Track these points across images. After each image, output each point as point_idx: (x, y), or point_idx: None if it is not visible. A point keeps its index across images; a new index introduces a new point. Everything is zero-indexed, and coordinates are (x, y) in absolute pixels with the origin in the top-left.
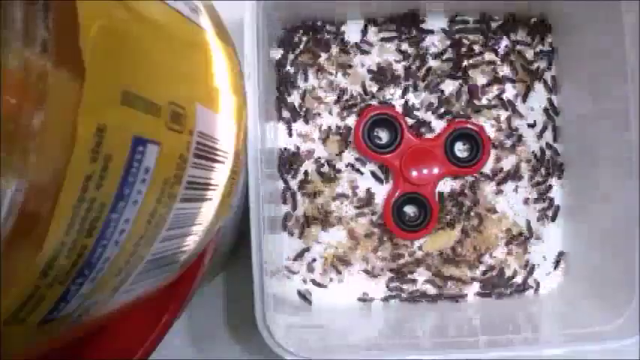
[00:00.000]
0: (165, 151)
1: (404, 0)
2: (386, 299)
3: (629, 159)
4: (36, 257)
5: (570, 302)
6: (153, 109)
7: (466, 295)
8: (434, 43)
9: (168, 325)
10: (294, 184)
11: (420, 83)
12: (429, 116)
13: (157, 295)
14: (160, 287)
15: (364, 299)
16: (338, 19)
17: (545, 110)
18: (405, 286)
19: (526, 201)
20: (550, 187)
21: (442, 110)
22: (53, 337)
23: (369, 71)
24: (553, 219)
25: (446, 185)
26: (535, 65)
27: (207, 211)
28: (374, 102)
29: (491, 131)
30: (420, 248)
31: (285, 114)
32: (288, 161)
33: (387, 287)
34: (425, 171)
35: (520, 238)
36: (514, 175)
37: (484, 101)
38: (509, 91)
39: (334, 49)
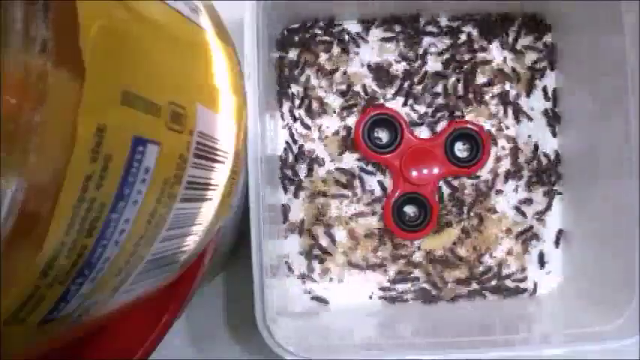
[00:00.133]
0: (166, 151)
1: (404, 0)
2: (386, 299)
3: (629, 159)
4: (36, 257)
5: (570, 302)
6: (153, 109)
7: (466, 295)
8: (434, 43)
9: (168, 325)
10: (294, 184)
11: (420, 83)
12: (429, 116)
13: (157, 295)
14: (159, 287)
15: (364, 299)
16: (338, 19)
17: (545, 110)
18: (405, 286)
19: (526, 201)
20: (550, 186)
21: (442, 110)
22: (53, 337)
23: (369, 71)
24: (553, 219)
25: (446, 185)
26: (535, 65)
27: (207, 211)
28: (374, 102)
29: (491, 131)
30: (420, 248)
31: (286, 114)
32: (289, 161)
33: (387, 287)
34: (425, 171)
35: (520, 238)
36: (514, 174)
37: (484, 101)
38: (509, 91)
39: (334, 49)
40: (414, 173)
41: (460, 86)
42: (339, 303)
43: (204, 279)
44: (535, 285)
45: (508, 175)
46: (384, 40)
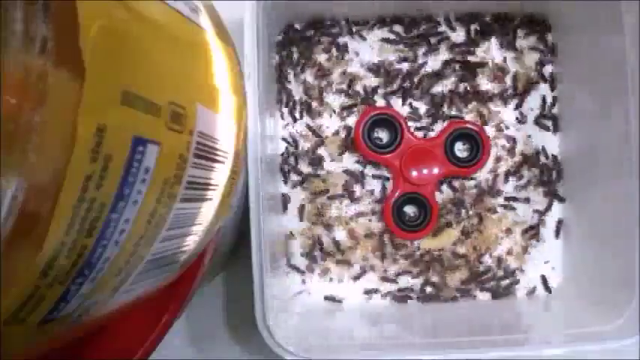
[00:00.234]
0: (165, 151)
1: (405, 0)
2: (386, 299)
3: (629, 159)
4: (36, 257)
5: (570, 302)
6: (153, 109)
7: (466, 295)
8: (434, 43)
9: (168, 325)
10: (294, 184)
11: (420, 83)
12: (428, 116)
13: (157, 295)
14: (160, 287)
15: (364, 299)
16: (338, 19)
17: (545, 110)
18: (404, 286)
19: (526, 201)
20: (550, 187)
21: (442, 110)
22: (53, 337)
23: (369, 71)
24: (553, 219)
25: (446, 185)
26: (535, 65)
27: (207, 211)
28: (374, 102)
29: (491, 131)
30: (420, 248)
31: (285, 114)
32: (288, 161)
33: (387, 287)
34: (425, 171)
35: (520, 238)
36: (514, 174)
37: (484, 101)
38: (509, 91)
39: (334, 49)
40: (414, 173)
41: (460, 86)
42: (339, 303)
43: (204, 279)
44: (535, 285)
45: (508, 175)
46: (384, 40)
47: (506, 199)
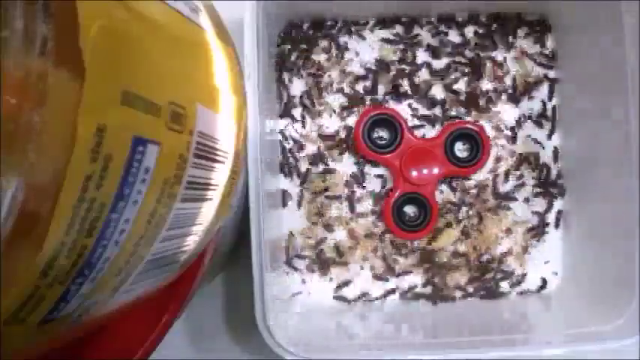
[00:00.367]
0: (166, 151)
1: (405, 0)
2: (386, 299)
3: (629, 159)
4: (36, 257)
5: (570, 302)
6: (153, 109)
7: (466, 294)
8: (434, 43)
9: (168, 325)
10: (294, 184)
11: (421, 83)
12: (428, 116)
13: (157, 295)
14: (159, 287)
15: (364, 299)
16: (338, 19)
17: (545, 110)
18: (404, 286)
19: (526, 201)
20: (550, 187)
21: (442, 110)
22: (53, 337)
23: (370, 71)
24: (553, 219)
25: (446, 185)
26: (535, 65)
27: (207, 211)
28: (374, 102)
29: (491, 131)
30: (419, 248)
31: (285, 114)
32: (288, 161)
33: (387, 287)
34: (425, 171)
35: (520, 238)
36: (514, 174)
37: (484, 101)
38: (509, 91)
39: (334, 49)
40: (414, 173)
41: (460, 86)
42: (338, 303)
43: (204, 279)
44: (535, 285)
45: (508, 175)
46: (384, 40)
47: (507, 199)
